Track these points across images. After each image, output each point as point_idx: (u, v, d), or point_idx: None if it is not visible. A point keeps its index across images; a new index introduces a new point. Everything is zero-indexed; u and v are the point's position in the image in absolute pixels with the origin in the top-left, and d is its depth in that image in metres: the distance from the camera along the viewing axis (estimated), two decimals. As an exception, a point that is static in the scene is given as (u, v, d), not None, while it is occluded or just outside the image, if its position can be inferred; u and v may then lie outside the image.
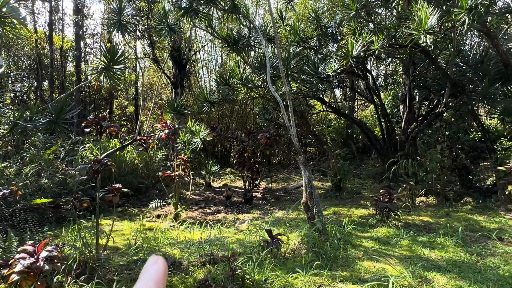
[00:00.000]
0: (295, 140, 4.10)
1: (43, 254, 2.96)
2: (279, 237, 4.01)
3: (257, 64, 5.81)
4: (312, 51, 7.10)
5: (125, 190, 4.05)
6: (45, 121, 3.24)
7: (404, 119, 8.77)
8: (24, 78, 11.85)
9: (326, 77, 5.46)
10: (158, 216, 6.46)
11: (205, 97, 5.82)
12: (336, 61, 5.96)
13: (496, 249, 4.06)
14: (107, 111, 12.92)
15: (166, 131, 5.47)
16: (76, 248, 3.67)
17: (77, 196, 3.69)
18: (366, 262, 3.70)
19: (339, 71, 5.82)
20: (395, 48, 6.42)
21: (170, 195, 6.13)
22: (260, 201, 7.52)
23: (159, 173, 6.02)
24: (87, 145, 7.32)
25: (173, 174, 5.72)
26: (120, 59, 4.43)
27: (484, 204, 6.09)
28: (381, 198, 5.12)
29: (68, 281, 3.28)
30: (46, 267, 2.87)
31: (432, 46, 6.55)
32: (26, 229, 4.81)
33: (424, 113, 8.69)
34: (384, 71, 13.44)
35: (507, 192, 5.30)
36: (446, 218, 5.44)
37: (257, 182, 7.95)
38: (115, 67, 4.43)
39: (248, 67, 5.98)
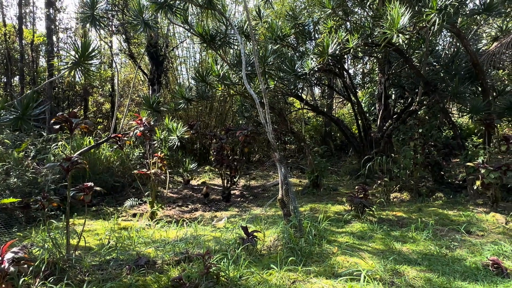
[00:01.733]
0: (271, 137, 4.11)
1: (8, 255, 2.85)
2: (255, 234, 4.01)
3: (235, 61, 5.78)
4: (289, 48, 7.13)
5: (98, 188, 3.95)
6: (10, 117, 3.11)
7: (379, 117, 8.96)
8: (-7, 73, 11.37)
9: (303, 74, 5.50)
10: (134, 215, 6.36)
11: (181, 93, 5.74)
12: (313, 59, 6.02)
13: (464, 242, 4.21)
14: (81, 107, 12.56)
15: (141, 129, 5.37)
16: (45, 249, 3.55)
17: (46, 195, 3.57)
18: (340, 257, 3.76)
19: (316, 69, 5.87)
20: (371, 46, 6.54)
21: (146, 194, 6.03)
22: (239, 199, 7.51)
23: (135, 171, 5.91)
24: (60, 143, 7.09)
25: (149, 172, 5.62)
26: (92, 54, 4.32)
27: (454, 199, 6.31)
28: (356, 194, 5.21)
29: (36, 283, 3.17)
30: (11, 269, 2.77)
31: (406, 46, 6.70)
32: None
33: (399, 111, 8.89)
34: (361, 70, 13.68)
35: (475, 187, 5.50)
36: (418, 213, 5.60)
37: (235, 180, 7.93)
38: (87, 62, 4.31)
39: (226, 64, 5.95)
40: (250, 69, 5.66)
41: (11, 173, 6.02)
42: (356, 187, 6.02)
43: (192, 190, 8.59)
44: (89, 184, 3.91)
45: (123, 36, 8.51)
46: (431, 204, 6.13)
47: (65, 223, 5.72)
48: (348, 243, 4.21)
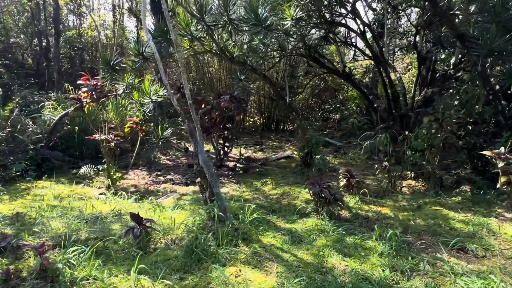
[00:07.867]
0: (174, 102, 3.18)
1: None
2: (147, 224, 3.24)
3: (197, 10, 4.77)
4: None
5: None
6: None
7: (414, 84, 7.21)
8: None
9: (269, 26, 4.27)
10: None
11: (137, 50, 4.99)
12: (297, 6, 4.74)
13: (439, 266, 2.90)
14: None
15: (85, 89, 4.81)
16: None
17: None
18: (235, 268, 2.81)
19: (298, 16, 4.60)
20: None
21: (103, 161, 5.60)
22: (226, 172, 6.72)
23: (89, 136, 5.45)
24: (46, 102, 6.99)
25: (98, 138, 5.11)
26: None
27: (483, 197, 4.70)
28: (320, 182, 4.00)
29: None
30: None
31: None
32: None
33: (440, 76, 7.01)
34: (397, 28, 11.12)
35: (497, 185, 3.89)
36: (412, 212, 4.22)
37: (227, 150, 7.13)
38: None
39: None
40: (209, 19, 4.62)
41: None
42: (340, 171, 4.82)
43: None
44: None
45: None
46: (444, 200, 4.62)
47: (29, 185, 5.63)
48: (273, 247, 3.22)
